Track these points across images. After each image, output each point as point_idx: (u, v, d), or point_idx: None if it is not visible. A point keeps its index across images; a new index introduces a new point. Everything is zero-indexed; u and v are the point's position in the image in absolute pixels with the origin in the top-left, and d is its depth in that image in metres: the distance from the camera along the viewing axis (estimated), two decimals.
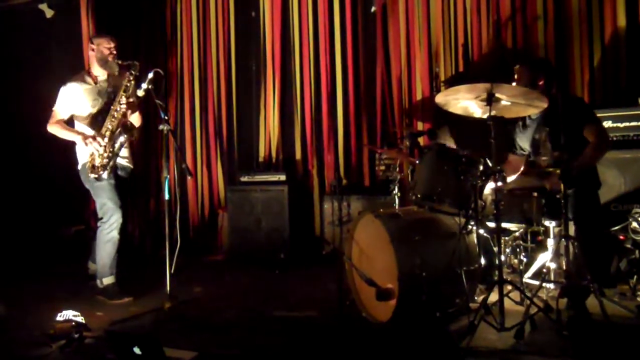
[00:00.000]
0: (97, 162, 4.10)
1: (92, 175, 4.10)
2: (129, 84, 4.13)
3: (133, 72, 4.12)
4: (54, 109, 4.26)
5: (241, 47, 6.19)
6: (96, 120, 4.21)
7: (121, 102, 4.12)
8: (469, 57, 5.21)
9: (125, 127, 4.15)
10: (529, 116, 3.76)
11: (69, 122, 4.30)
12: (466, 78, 4.78)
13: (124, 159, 4.36)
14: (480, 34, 5.17)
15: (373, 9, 5.66)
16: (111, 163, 4.11)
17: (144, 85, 3.98)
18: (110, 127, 4.13)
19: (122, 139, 4.13)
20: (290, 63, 5.95)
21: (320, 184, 5.83)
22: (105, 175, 4.09)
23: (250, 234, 5.49)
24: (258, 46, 6.08)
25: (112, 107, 4.15)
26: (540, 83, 3.62)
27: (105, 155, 4.09)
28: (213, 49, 6.23)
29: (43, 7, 6.48)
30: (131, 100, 4.14)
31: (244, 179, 5.66)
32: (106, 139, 4.10)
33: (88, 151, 4.13)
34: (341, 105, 5.77)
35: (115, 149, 4.13)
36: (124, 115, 4.16)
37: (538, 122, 3.74)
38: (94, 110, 4.24)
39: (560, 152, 3.21)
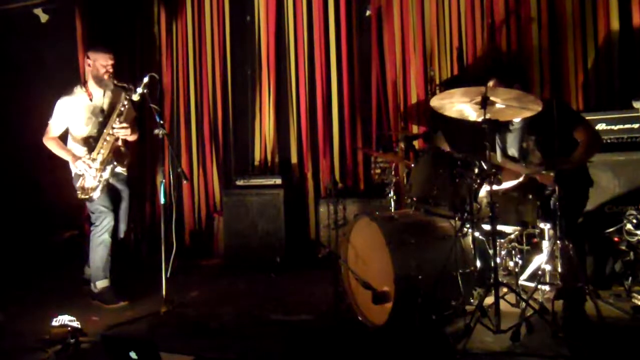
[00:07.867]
0: (87, 184, 4.09)
1: (83, 196, 4.09)
2: (123, 109, 4.09)
3: (128, 97, 4.08)
4: (49, 122, 4.23)
5: (236, 51, 6.18)
6: (89, 140, 4.18)
7: (114, 127, 4.10)
8: (464, 60, 5.23)
9: (117, 153, 4.16)
10: (511, 122, 3.70)
11: (64, 136, 4.27)
12: (461, 81, 4.79)
13: (116, 166, 4.34)
14: (475, 37, 5.19)
15: (368, 12, 5.67)
16: (100, 186, 4.11)
17: (139, 90, 3.98)
18: (103, 152, 4.10)
19: (110, 168, 4.14)
20: (286, 67, 5.95)
21: (316, 187, 5.83)
22: (95, 196, 4.09)
23: (246, 238, 5.48)
24: (253, 50, 6.07)
25: (104, 131, 4.12)
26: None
27: (96, 179, 4.09)
28: (208, 53, 6.21)
29: (38, 11, 6.45)
30: (125, 125, 4.11)
31: (240, 182, 5.65)
32: (97, 164, 4.08)
33: (77, 172, 4.12)
34: (336, 108, 5.76)
35: (105, 174, 4.12)
36: (117, 139, 4.15)
37: (522, 129, 3.66)
38: (88, 128, 4.20)
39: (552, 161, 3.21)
